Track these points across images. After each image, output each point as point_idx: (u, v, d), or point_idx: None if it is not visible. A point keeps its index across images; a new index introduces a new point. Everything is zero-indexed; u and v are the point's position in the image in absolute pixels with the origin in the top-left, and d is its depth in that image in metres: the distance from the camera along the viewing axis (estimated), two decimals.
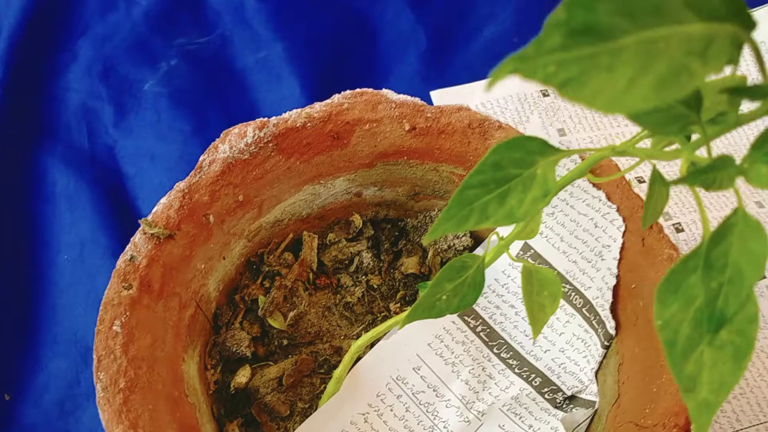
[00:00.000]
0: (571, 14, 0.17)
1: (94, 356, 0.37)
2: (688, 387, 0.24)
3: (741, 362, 0.24)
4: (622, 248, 0.44)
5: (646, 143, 0.32)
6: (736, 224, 0.24)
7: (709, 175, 0.24)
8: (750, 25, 0.20)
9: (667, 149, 0.30)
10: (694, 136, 0.27)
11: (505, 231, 0.39)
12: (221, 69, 0.76)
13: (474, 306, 0.49)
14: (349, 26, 0.79)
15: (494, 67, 0.17)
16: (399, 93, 0.47)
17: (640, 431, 0.39)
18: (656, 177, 0.30)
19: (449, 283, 0.36)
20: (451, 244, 0.50)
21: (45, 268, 0.63)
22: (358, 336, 0.48)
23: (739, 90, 0.21)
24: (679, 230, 0.63)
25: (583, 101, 0.18)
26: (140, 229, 0.40)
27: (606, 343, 0.44)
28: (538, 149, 0.29)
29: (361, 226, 0.51)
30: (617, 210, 0.44)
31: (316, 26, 0.78)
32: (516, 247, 0.49)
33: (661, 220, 0.63)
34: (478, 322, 0.49)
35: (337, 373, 0.44)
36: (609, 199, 0.44)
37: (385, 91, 0.46)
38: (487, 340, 0.48)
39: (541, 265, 0.37)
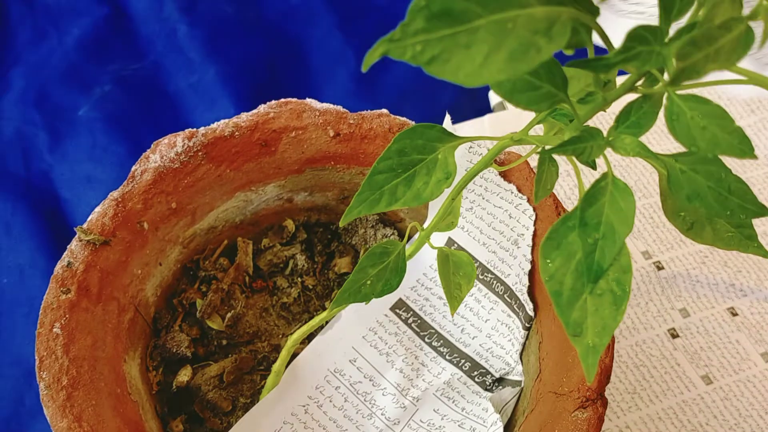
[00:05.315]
0: (430, 1, 0.20)
1: (36, 357, 0.39)
2: (575, 332, 0.28)
3: (620, 307, 0.28)
4: (535, 235, 0.47)
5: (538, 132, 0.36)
6: (607, 187, 0.28)
7: (579, 145, 0.27)
8: (592, 10, 0.23)
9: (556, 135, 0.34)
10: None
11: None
12: (155, 93, 0.78)
13: (405, 299, 0.51)
14: (280, 49, 0.82)
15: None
16: None
17: (558, 398, 0.42)
18: (545, 157, 0.33)
19: (372, 268, 0.38)
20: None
21: None
22: None
23: (581, 62, 0.24)
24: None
25: (447, 76, 0.21)
26: (76, 236, 0.42)
27: (527, 324, 0.48)
28: (437, 136, 0.32)
29: (294, 230, 0.53)
30: (528, 200, 0.47)
31: (247, 50, 0.81)
32: (441, 241, 0.52)
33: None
34: (409, 315, 0.51)
35: (275, 367, 0.46)
36: (520, 191, 0.48)
37: (309, 100, 0.49)
38: (418, 330, 0.51)
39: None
